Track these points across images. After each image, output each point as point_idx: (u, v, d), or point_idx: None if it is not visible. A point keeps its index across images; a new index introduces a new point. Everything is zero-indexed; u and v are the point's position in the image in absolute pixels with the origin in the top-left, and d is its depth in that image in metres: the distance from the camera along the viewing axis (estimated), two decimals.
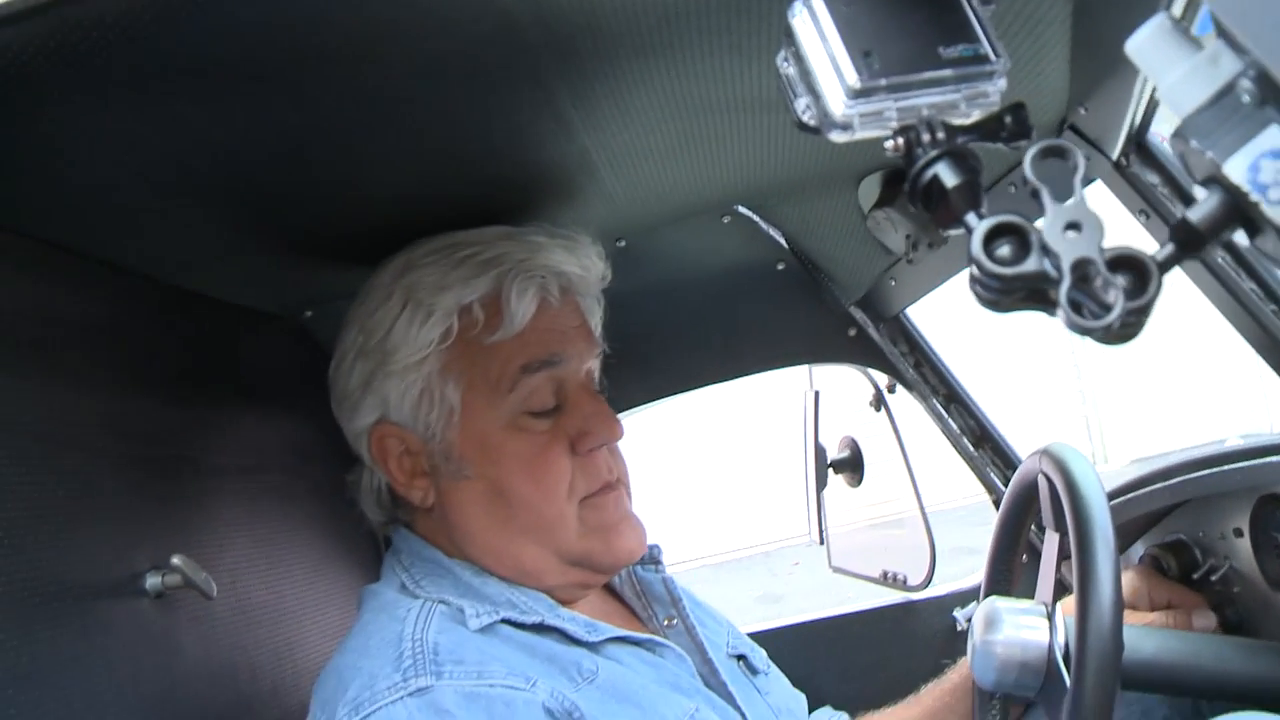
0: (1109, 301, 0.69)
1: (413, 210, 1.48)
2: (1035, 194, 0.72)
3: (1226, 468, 1.71)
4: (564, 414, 1.44)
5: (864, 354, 2.20)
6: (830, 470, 2.30)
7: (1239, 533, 1.82)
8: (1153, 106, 1.26)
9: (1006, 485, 2.03)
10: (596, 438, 1.44)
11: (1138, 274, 0.72)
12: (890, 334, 2.18)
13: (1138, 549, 2.06)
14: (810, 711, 1.83)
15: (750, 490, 10.52)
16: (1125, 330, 0.73)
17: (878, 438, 2.23)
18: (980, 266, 0.73)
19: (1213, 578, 1.90)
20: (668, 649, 1.46)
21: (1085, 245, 0.70)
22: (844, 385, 2.31)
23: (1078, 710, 1.35)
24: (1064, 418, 10.83)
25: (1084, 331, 0.70)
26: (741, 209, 1.92)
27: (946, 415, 2.22)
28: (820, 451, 2.32)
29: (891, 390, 2.22)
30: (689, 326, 2.10)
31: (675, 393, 2.14)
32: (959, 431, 2.22)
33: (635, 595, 1.63)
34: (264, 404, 1.75)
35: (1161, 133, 1.38)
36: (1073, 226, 0.71)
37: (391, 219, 1.50)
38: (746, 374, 2.21)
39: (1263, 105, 0.69)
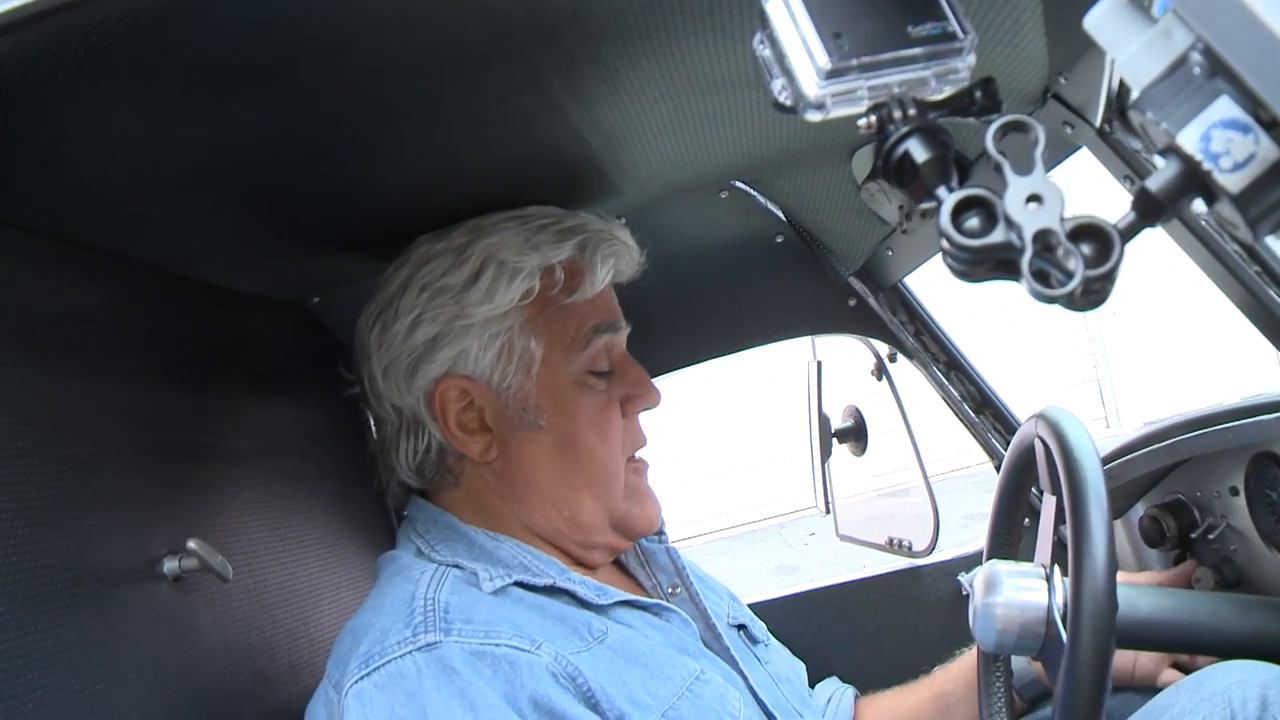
0: (1070, 270, 0.72)
1: (415, 198, 1.52)
2: (997, 168, 0.75)
3: (1222, 427, 1.74)
4: (615, 379, 1.55)
5: (864, 324, 2.23)
6: (835, 440, 2.33)
7: (1235, 491, 1.85)
8: None
9: (1007, 450, 2.06)
10: (645, 401, 1.58)
11: (1100, 243, 0.75)
12: (890, 303, 2.20)
13: (1138, 510, 2.08)
14: (815, 681, 1.87)
15: (763, 462, 10.53)
16: (1090, 297, 0.75)
17: (882, 407, 2.26)
18: (948, 238, 0.76)
19: (1210, 536, 1.93)
20: (674, 614, 1.51)
21: (1046, 216, 0.73)
22: (846, 355, 2.33)
23: (1074, 668, 1.37)
24: (1078, 381, 10.80)
25: (1048, 300, 0.73)
26: (738, 184, 1.94)
27: (947, 382, 2.24)
28: (824, 421, 2.35)
29: (892, 359, 2.25)
30: (690, 302, 2.13)
31: (678, 368, 2.16)
32: (960, 398, 2.24)
33: (640, 565, 1.68)
34: (274, 388, 1.78)
35: None
36: (1034, 199, 0.73)
37: (394, 207, 1.53)
38: (749, 347, 2.24)
39: (1213, 77, 0.72)
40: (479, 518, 1.49)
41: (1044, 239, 0.72)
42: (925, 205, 0.83)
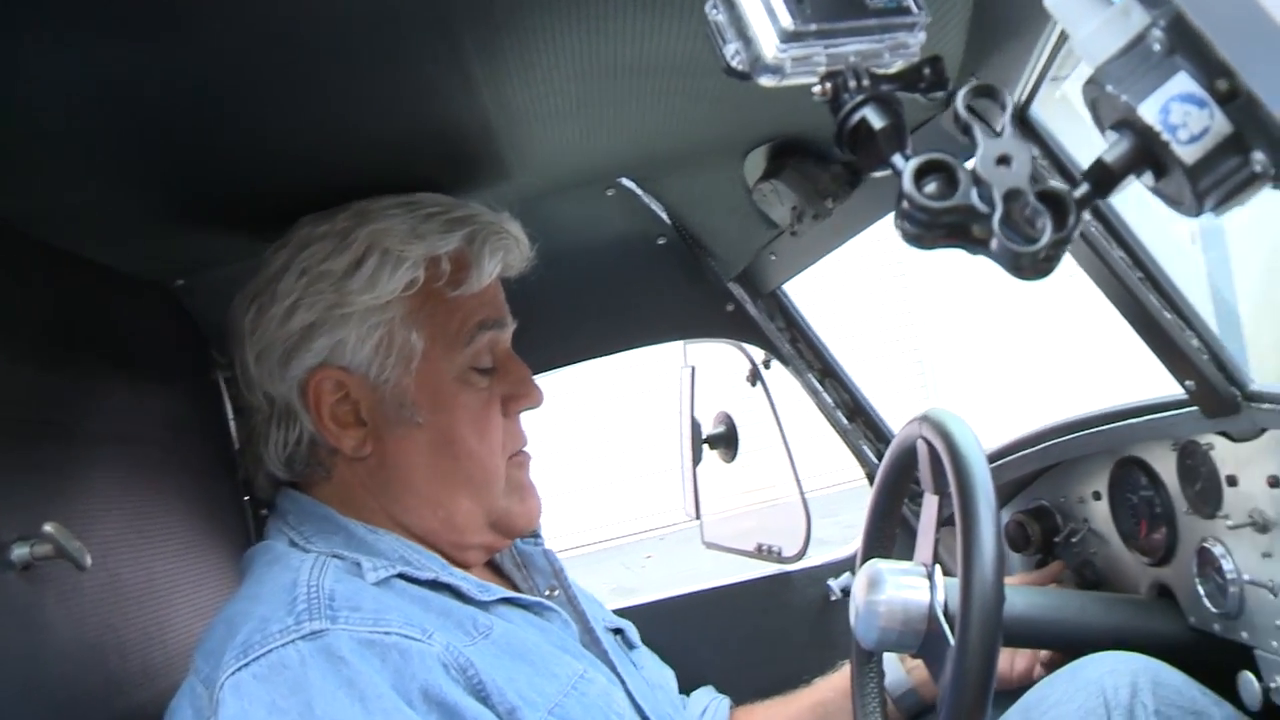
0: (1038, 229, 0.73)
1: (299, 174, 1.46)
2: (967, 130, 0.76)
3: (1091, 431, 1.80)
4: (497, 377, 1.51)
5: (741, 329, 2.24)
6: (705, 445, 2.33)
7: (1098, 496, 1.91)
8: (1039, 82, 1.31)
9: (879, 459, 2.10)
10: (525, 400, 1.54)
11: (1058, 209, 0.76)
12: (768, 309, 2.21)
13: (1003, 516, 2.14)
14: (686, 688, 1.86)
15: (601, 485, 10.56)
16: (1046, 262, 0.77)
17: (756, 413, 2.27)
18: (912, 201, 0.76)
19: (1073, 540, 2.00)
20: (554, 613, 1.49)
21: (1016, 177, 0.74)
22: (719, 361, 2.34)
23: (963, 659, 1.40)
24: (904, 389, 11.09)
25: (1014, 257, 0.74)
26: (625, 181, 1.93)
27: (821, 389, 2.27)
28: (695, 427, 2.35)
29: (767, 365, 2.26)
30: (568, 301, 2.11)
31: (553, 368, 2.14)
32: (833, 405, 2.27)
33: (516, 567, 1.65)
34: (135, 372, 1.69)
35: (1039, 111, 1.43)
36: (1003, 160, 0.75)
37: (277, 183, 1.47)
38: (624, 349, 2.23)
39: (1171, 54, 0.74)
40: (353, 512, 1.44)
41: (1014, 198, 0.73)
42: (878, 173, 0.84)
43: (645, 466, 9.95)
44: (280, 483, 1.50)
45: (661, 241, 2.12)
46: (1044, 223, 0.73)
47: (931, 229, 0.78)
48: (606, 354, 2.22)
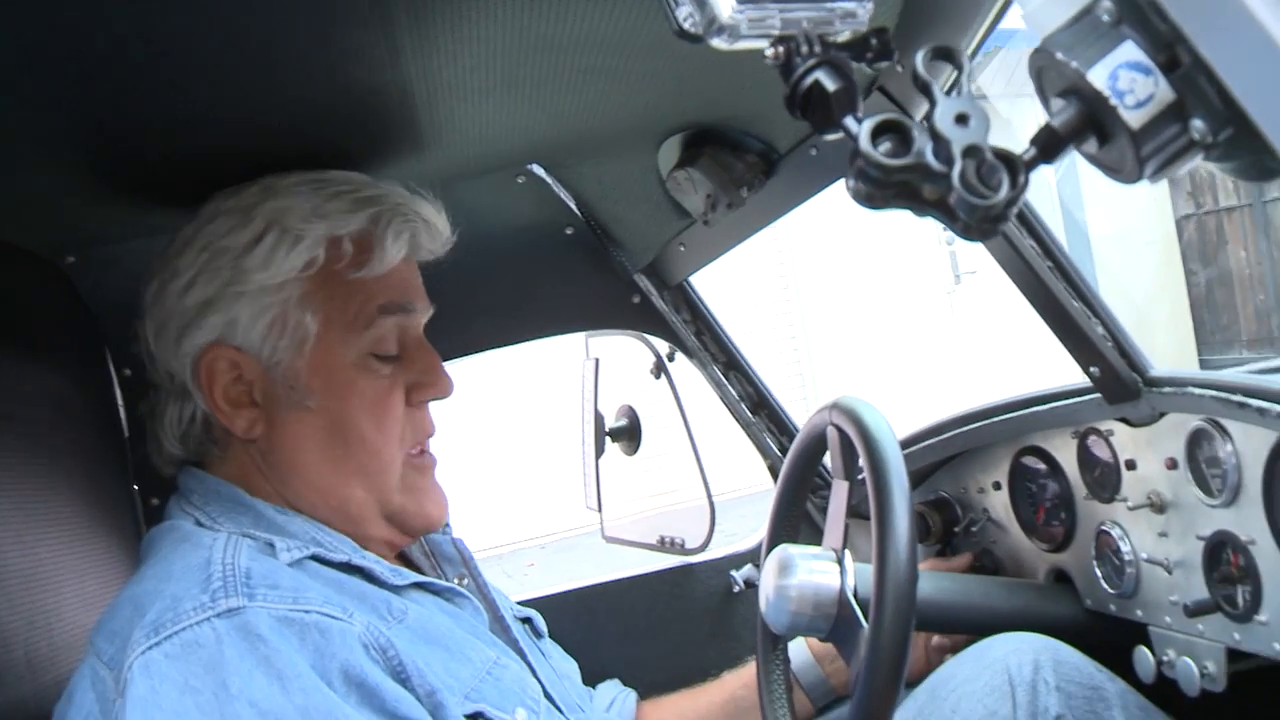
0: (995, 185, 0.75)
1: (205, 147, 1.42)
2: (926, 89, 0.77)
3: (991, 421, 1.84)
4: (402, 364, 1.46)
5: (647, 321, 2.24)
6: (608, 439, 2.33)
7: (998, 486, 1.96)
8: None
9: (783, 452, 2.12)
10: (431, 390, 1.49)
11: (1009, 171, 0.78)
12: (674, 302, 2.22)
13: None
14: (589, 680, 1.86)
15: (481, 493, 10.49)
16: (995, 222, 0.79)
17: (659, 405, 2.28)
18: (868, 159, 0.77)
19: (972, 529, 2.04)
20: (466, 600, 1.47)
21: (974, 134, 0.76)
22: (623, 354, 2.35)
23: (877, 639, 1.42)
24: (783, 377, 11.21)
25: (970, 210, 0.75)
26: (537, 169, 1.92)
27: (726, 382, 2.28)
28: (599, 419, 2.34)
29: (671, 358, 2.27)
30: (472, 290, 2.08)
31: (451, 358, 2.11)
32: (738, 398, 2.29)
33: (424, 555, 1.63)
34: (20, 351, 1.62)
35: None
36: (961, 119, 0.76)
37: (178, 154, 1.43)
38: (528, 339, 2.21)
39: (1119, 24, 0.77)
40: (256, 493, 1.41)
41: (973, 154, 0.75)
42: (830, 136, 0.85)
43: (529, 475, 9.90)
44: (179, 461, 1.45)
45: (569, 231, 2.11)
46: (1000, 179, 0.75)
47: (885, 188, 0.79)
48: (509, 344, 2.21)
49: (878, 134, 0.79)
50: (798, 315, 11.29)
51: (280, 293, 1.38)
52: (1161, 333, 11.22)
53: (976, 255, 9.45)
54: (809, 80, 0.83)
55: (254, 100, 1.31)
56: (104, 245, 1.78)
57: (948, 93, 0.77)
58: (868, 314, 11.13)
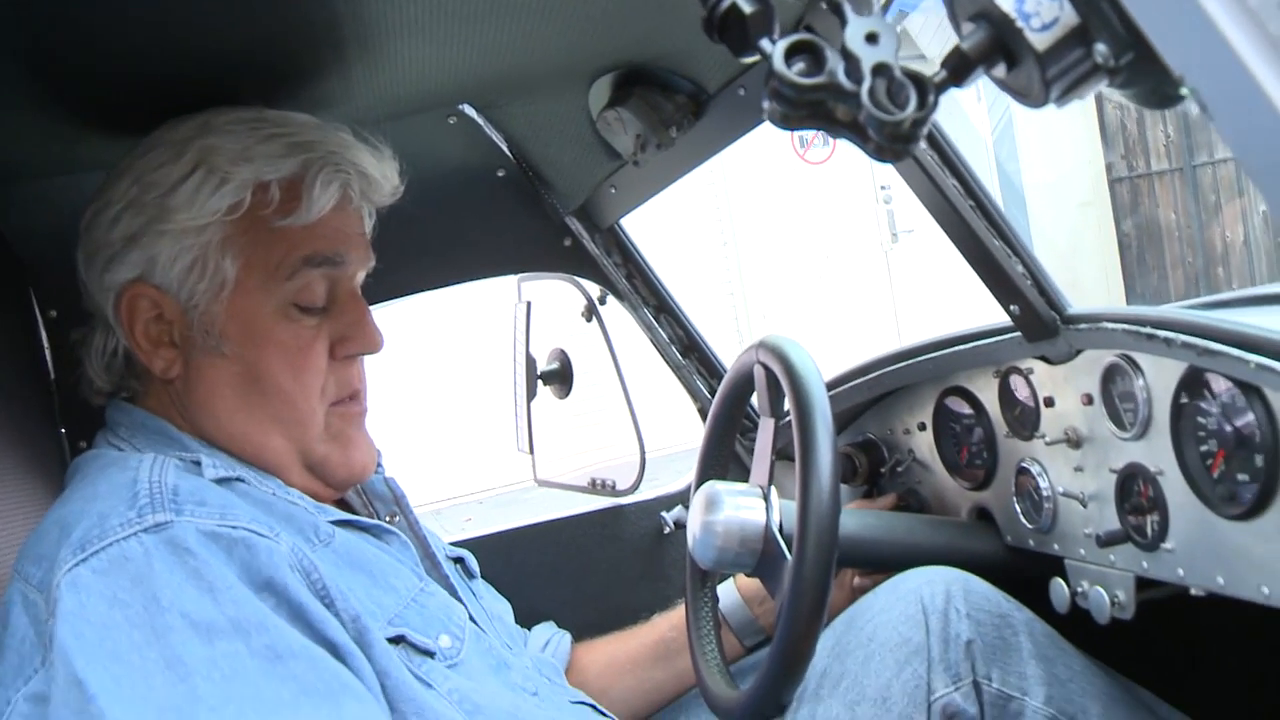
0: (903, 101, 0.77)
1: (135, 75, 1.39)
2: (837, 8, 0.79)
3: (915, 360, 1.87)
4: (330, 316, 1.44)
5: (578, 264, 2.24)
6: (540, 382, 2.34)
7: (923, 426, 2.00)
8: None
9: (712, 394, 2.14)
10: (358, 344, 1.46)
11: (919, 92, 0.80)
12: (605, 244, 2.22)
13: None
14: (526, 621, 1.88)
15: (417, 449, 10.45)
16: (903, 142, 0.81)
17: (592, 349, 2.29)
18: (781, 79, 0.79)
19: (898, 469, 2.08)
20: (394, 536, 1.48)
21: (883, 53, 0.77)
22: (556, 297, 2.35)
23: (800, 570, 1.45)
24: (720, 330, 11.27)
25: (879, 126, 0.77)
26: (468, 110, 1.92)
27: (656, 325, 2.30)
28: (530, 363, 2.35)
29: (603, 301, 2.28)
30: (402, 232, 2.05)
31: (387, 299, 2.11)
32: (668, 341, 2.31)
33: (356, 493, 1.63)
34: None
35: None
36: (871, 37, 0.78)
37: (106, 85, 1.40)
38: (461, 282, 2.21)
39: None
40: (191, 426, 1.40)
41: (882, 71, 0.77)
42: (747, 59, 0.86)
43: (466, 430, 9.88)
44: (106, 394, 1.45)
45: (501, 174, 2.11)
46: (908, 97, 0.77)
47: (798, 108, 0.81)
48: (440, 286, 2.20)
49: (791, 54, 0.80)
50: (736, 272, 11.31)
51: (201, 235, 1.36)
52: (1094, 292, 11.39)
53: (914, 214, 9.53)
54: (726, 2, 0.85)
55: (175, 32, 1.29)
56: (30, 181, 1.75)
57: (859, 13, 0.79)
58: (806, 271, 11.19)
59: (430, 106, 1.85)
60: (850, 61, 0.77)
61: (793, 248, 11.18)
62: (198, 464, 1.31)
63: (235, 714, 1.08)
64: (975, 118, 11.00)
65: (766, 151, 10.54)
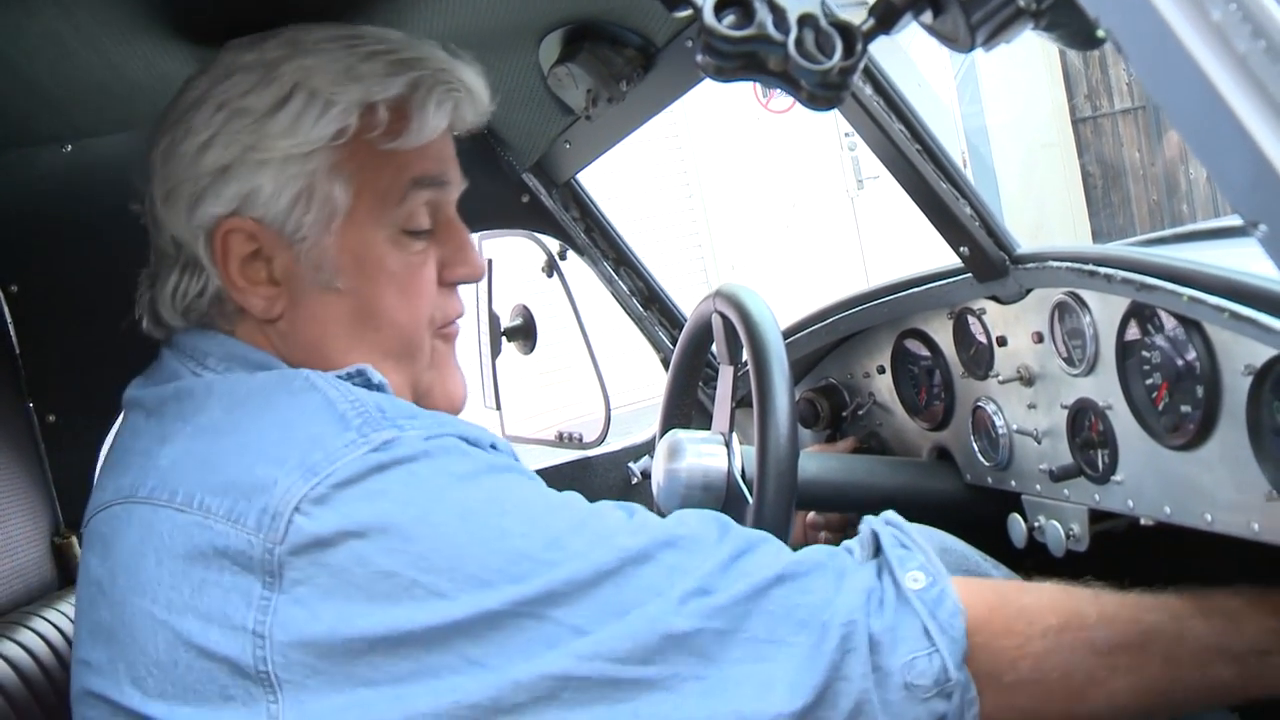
0: (830, 50, 0.79)
1: None
2: None
3: (871, 304, 1.90)
4: (435, 240, 1.36)
5: (537, 221, 2.25)
6: (504, 338, 2.36)
7: (882, 369, 2.03)
8: None
9: (674, 344, 2.16)
10: (465, 269, 1.39)
11: (846, 40, 0.82)
12: (563, 200, 2.23)
13: (794, 394, 2.24)
14: None
15: None
16: (833, 90, 0.83)
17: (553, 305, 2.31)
18: (712, 33, 0.81)
19: (860, 413, 2.11)
20: None
21: (809, 3, 0.79)
22: (517, 254, 2.37)
23: (761, 511, 1.48)
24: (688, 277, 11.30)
25: (806, 75, 0.79)
26: None
27: (617, 278, 2.31)
28: (494, 319, 2.37)
29: (563, 256, 2.29)
30: None
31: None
32: (629, 293, 2.32)
33: None
34: None
35: None
36: None
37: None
38: None
39: None
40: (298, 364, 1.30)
41: (807, 21, 0.79)
42: (679, 13, 0.88)
43: (476, 344, 9.88)
44: (172, 328, 1.33)
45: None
46: (834, 45, 0.79)
47: (730, 59, 0.82)
48: None
49: (722, 7, 0.82)
50: (703, 224, 11.32)
51: (308, 163, 1.25)
52: (1060, 232, 11.45)
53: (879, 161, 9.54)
54: None
55: None
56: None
57: None
58: (773, 220, 11.20)
59: None
60: (777, 13, 0.79)
61: (759, 197, 11.18)
62: (362, 374, 1.22)
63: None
64: (938, 62, 11.00)
65: (729, 102, 10.53)
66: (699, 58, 0.84)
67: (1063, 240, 11.28)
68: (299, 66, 1.25)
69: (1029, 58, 11.31)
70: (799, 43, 0.79)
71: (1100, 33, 0.76)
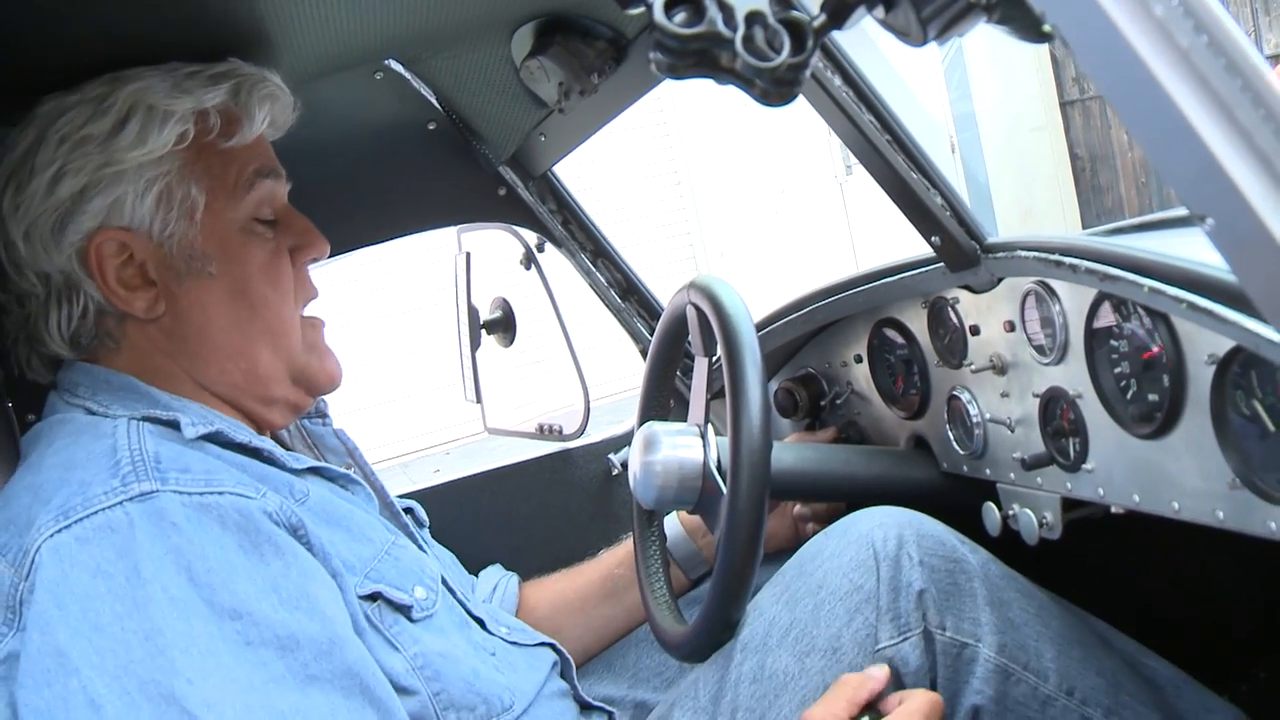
0: (778, 47, 0.79)
1: (39, 45, 1.38)
2: None
3: (847, 294, 1.90)
4: (280, 228, 1.50)
5: (514, 213, 2.25)
6: (483, 331, 2.36)
7: (859, 359, 2.03)
8: None
9: (652, 335, 2.17)
10: (313, 250, 1.53)
11: (797, 36, 0.82)
12: (539, 192, 2.23)
13: (773, 384, 2.25)
14: (473, 568, 1.91)
15: (385, 402, 10.46)
16: (785, 86, 0.83)
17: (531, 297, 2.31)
18: (663, 30, 0.81)
19: (838, 402, 2.11)
20: (359, 487, 1.51)
21: (756, 1, 0.79)
22: (494, 247, 2.36)
23: (735, 502, 1.48)
24: (678, 264, 11.30)
25: (755, 73, 0.79)
26: (393, 64, 1.92)
27: (594, 270, 2.31)
28: (473, 313, 2.37)
29: (541, 248, 2.29)
30: (338, 189, 2.08)
31: (329, 257, 2.12)
32: (606, 284, 2.32)
33: (308, 448, 1.65)
34: None
35: None
36: None
37: (8, 54, 1.40)
38: (397, 236, 2.21)
39: None
40: (153, 380, 1.39)
41: (755, 20, 0.78)
42: (633, 10, 0.88)
43: (432, 381, 9.89)
44: (62, 362, 1.43)
45: (432, 126, 2.11)
46: (782, 42, 0.79)
47: (682, 56, 0.82)
48: (380, 241, 2.20)
49: (673, 5, 0.82)
50: (692, 211, 11.33)
51: (160, 166, 1.38)
52: (1049, 215, 11.47)
53: None
54: None
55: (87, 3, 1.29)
56: None
57: None
58: (761, 207, 11.21)
59: (354, 63, 1.85)
60: (726, 11, 0.79)
61: (747, 184, 11.19)
62: (174, 425, 1.31)
63: (213, 689, 1.10)
64: (926, 46, 10.99)
65: (717, 89, 10.47)
66: (651, 54, 0.84)
67: (1052, 222, 11.33)
68: (130, 91, 1.38)
69: (1016, 41, 11.30)
70: (747, 40, 0.79)
71: (1047, 27, 0.76)
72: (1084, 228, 11.92)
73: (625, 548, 1.93)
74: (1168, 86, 0.68)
